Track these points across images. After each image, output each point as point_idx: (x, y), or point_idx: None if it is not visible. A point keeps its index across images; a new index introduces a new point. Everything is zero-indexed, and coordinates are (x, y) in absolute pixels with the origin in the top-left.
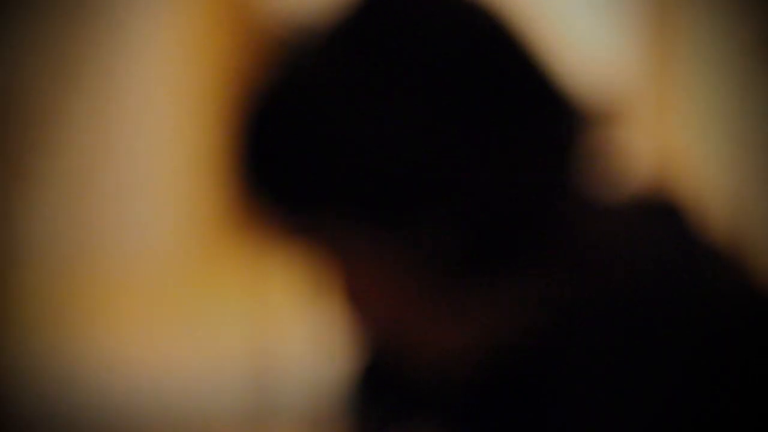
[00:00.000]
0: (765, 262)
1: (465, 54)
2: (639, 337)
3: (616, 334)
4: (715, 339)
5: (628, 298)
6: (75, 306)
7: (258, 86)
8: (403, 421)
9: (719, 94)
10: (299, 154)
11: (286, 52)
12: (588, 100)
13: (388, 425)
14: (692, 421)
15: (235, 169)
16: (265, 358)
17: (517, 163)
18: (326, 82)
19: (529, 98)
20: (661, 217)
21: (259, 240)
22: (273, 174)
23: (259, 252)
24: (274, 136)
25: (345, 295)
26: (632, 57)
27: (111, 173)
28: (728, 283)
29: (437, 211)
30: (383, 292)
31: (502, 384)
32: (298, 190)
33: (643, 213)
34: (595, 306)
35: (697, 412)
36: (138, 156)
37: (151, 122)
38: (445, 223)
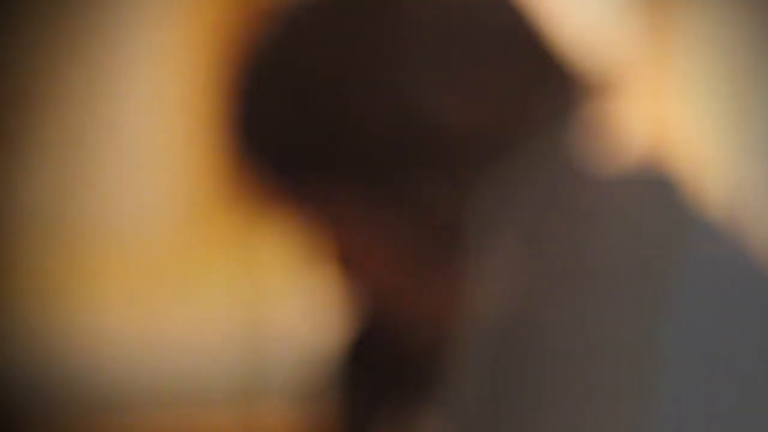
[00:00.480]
0: (762, 237)
1: (462, 20)
2: (626, 306)
3: (601, 303)
4: (709, 312)
5: (615, 269)
6: (66, 280)
7: (250, 49)
8: (392, 395)
9: (716, 66)
10: (291, 116)
11: (278, 15)
12: (585, 70)
13: (376, 399)
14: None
15: (228, 134)
16: (257, 330)
17: (513, 129)
18: (318, 44)
19: (528, 66)
20: (654, 189)
21: (252, 209)
22: (265, 136)
23: (251, 223)
24: (265, 99)
25: (338, 262)
26: (628, 27)
27: (105, 149)
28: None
29: (432, 173)
30: (376, 257)
31: (490, 348)
32: (291, 152)
33: (637, 185)
34: (582, 276)
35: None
36: (131, 131)
37: (145, 98)
38: (439, 185)
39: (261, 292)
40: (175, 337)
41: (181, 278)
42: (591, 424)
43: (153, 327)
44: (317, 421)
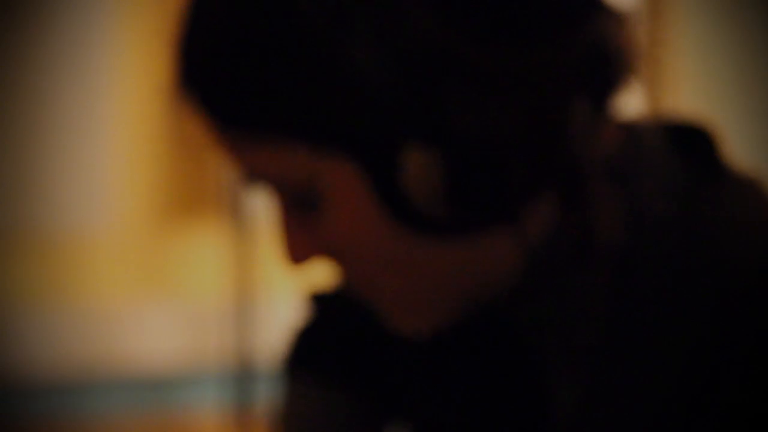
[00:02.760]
0: None
1: None
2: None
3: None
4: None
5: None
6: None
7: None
8: (331, 381)
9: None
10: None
11: None
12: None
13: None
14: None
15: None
16: (239, 316)
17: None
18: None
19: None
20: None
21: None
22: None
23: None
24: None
25: (321, 243)
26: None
27: (72, 143)
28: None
29: (425, 143)
30: (363, 238)
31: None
32: (266, 120)
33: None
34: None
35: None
36: (89, 124)
37: (106, 91)
38: (433, 158)
39: (243, 275)
40: (151, 324)
41: (152, 267)
42: None
43: (125, 315)
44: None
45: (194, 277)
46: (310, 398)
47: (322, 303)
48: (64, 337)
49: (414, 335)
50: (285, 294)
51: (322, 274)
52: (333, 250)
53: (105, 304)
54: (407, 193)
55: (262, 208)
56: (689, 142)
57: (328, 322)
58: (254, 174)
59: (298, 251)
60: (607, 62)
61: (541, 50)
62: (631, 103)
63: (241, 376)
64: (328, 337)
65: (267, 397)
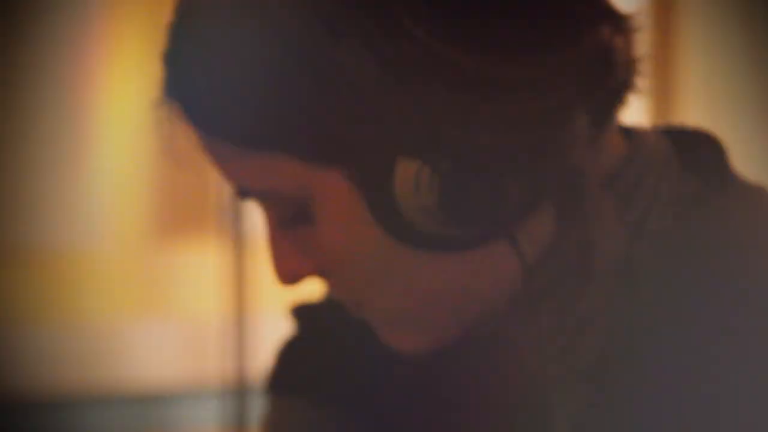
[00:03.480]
0: None
1: None
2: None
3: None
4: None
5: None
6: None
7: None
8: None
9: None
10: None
11: None
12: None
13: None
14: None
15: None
16: (237, 332)
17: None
18: None
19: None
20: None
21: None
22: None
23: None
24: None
25: (314, 259)
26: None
27: (74, 163)
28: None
29: (418, 155)
30: (357, 253)
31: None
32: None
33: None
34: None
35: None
36: (100, 144)
37: (107, 111)
38: (428, 170)
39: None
40: (148, 342)
41: (152, 284)
42: None
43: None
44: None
45: (192, 294)
46: (293, 415)
47: (307, 316)
48: (62, 355)
49: (411, 352)
50: (283, 311)
51: (311, 289)
52: (327, 265)
53: (102, 322)
54: (400, 207)
55: (259, 224)
56: (695, 150)
57: (313, 336)
58: (245, 188)
59: (290, 268)
60: (609, 71)
61: (539, 59)
62: (635, 112)
63: (239, 394)
64: (312, 352)
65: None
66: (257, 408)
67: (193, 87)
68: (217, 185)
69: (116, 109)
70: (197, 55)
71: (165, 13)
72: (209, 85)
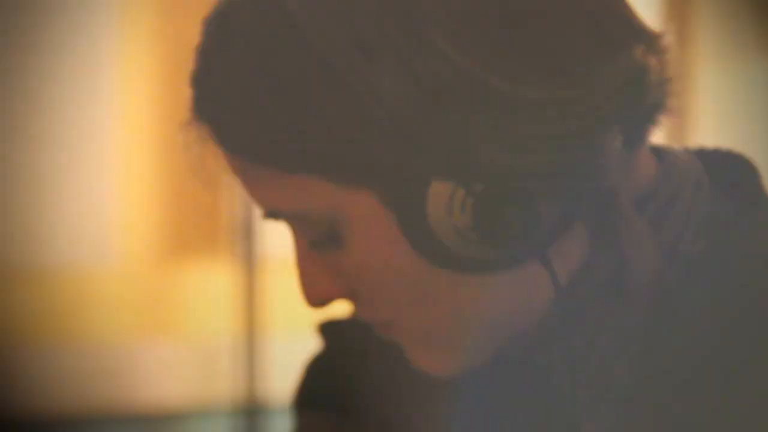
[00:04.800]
0: None
1: None
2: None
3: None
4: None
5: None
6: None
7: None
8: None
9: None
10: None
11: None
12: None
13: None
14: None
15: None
16: (247, 348)
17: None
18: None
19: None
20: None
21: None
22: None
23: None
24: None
25: (344, 281)
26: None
27: (83, 180)
28: None
29: (446, 169)
30: (388, 275)
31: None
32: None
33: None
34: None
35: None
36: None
37: (111, 122)
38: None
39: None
40: (159, 361)
41: (166, 304)
42: None
43: (134, 354)
44: None
45: (202, 314)
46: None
47: (333, 332)
48: (71, 375)
49: (440, 375)
50: (294, 330)
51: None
52: (356, 287)
53: (112, 341)
54: (434, 229)
55: (271, 243)
56: (728, 171)
57: (340, 353)
58: (275, 210)
59: (319, 291)
60: (643, 91)
61: (574, 79)
62: (665, 132)
63: (250, 413)
64: (339, 368)
65: None
66: (267, 428)
67: (224, 108)
68: (228, 204)
69: (126, 126)
70: (229, 75)
71: (175, 28)
72: (241, 106)
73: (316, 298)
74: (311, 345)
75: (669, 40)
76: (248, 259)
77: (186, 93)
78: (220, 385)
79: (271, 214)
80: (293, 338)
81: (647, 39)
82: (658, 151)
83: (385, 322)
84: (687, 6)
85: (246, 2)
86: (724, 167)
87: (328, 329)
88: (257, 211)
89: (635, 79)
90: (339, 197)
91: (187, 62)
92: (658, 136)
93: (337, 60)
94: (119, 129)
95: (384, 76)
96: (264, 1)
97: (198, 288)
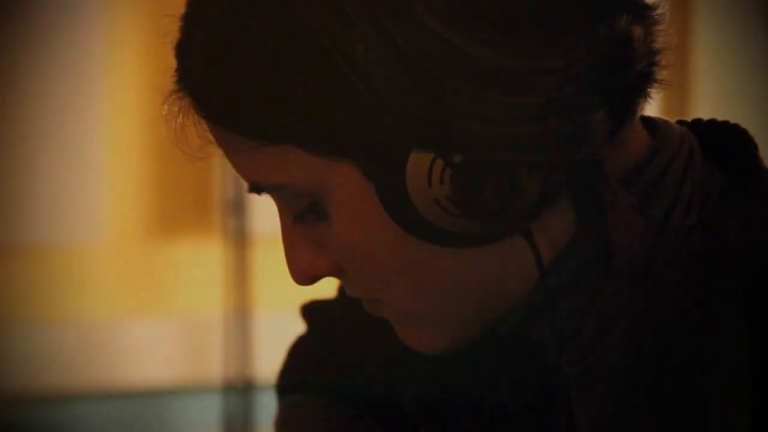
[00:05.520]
0: None
1: None
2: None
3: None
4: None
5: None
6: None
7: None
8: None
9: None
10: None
11: None
12: None
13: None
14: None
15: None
16: (237, 329)
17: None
18: None
19: None
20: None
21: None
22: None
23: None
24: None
25: (330, 255)
26: None
27: (71, 157)
28: None
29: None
30: (372, 247)
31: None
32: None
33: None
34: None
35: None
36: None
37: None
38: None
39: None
40: (147, 339)
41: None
42: None
43: (124, 332)
44: None
45: (192, 291)
46: (303, 413)
47: (317, 313)
48: (60, 352)
49: (430, 352)
50: (283, 308)
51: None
52: (342, 262)
53: (101, 318)
54: (413, 201)
55: (261, 219)
56: (723, 144)
57: (324, 334)
58: (257, 182)
59: (305, 266)
60: (627, 62)
61: (553, 49)
62: (656, 105)
63: (239, 391)
64: (323, 349)
65: (265, 412)
66: (257, 407)
67: (205, 78)
68: (218, 180)
69: (114, 103)
70: (210, 45)
71: (165, 7)
72: (222, 76)
73: (301, 273)
74: (297, 320)
75: (661, 11)
76: (239, 236)
77: (171, 65)
78: (211, 362)
79: (254, 187)
80: (284, 315)
81: (634, 8)
82: (651, 124)
83: (372, 298)
84: None
85: None
86: (719, 140)
87: (311, 310)
88: (247, 187)
89: (618, 49)
90: (320, 169)
91: (172, 33)
92: (655, 110)
93: (316, 29)
94: (105, 104)
95: (363, 45)
96: None
97: (188, 264)
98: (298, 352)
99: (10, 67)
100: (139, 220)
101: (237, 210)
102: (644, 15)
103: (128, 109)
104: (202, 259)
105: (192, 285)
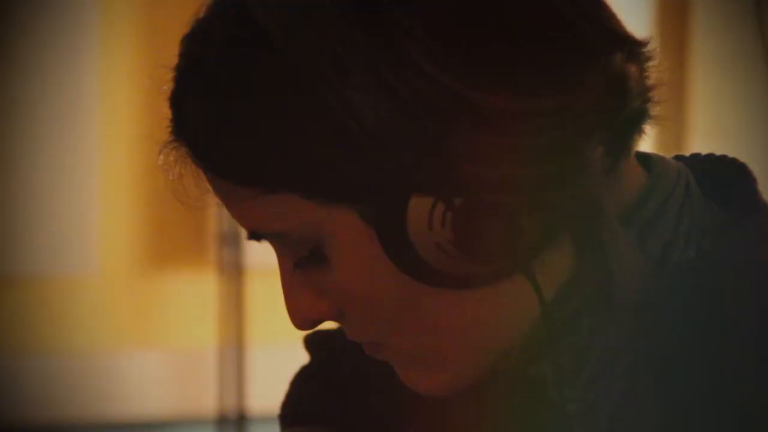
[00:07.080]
0: None
1: None
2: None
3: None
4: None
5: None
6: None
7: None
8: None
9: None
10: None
11: None
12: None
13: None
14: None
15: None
16: (234, 357)
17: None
18: None
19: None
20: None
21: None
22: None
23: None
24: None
25: (330, 300)
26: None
27: (66, 188)
28: None
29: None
30: (372, 291)
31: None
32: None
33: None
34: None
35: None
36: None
37: (94, 135)
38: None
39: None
40: (142, 370)
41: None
42: None
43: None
44: None
45: (187, 323)
46: None
47: (320, 344)
48: (54, 384)
49: (432, 393)
50: (277, 340)
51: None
52: (343, 306)
53: (96, 350)
54: (414, 245)
55: (257, 251)
56: (721, 178)
57: (327, 365)
58: (258, 230)
59: (305, 311)
60: (623, 99)
61: (551, 89)
62: (652, 141)
63: (233, 424)
64: (326, 380)
65: None
66: None
67: (201, 128)
68: (214, 212)
69: (110, 135)
70: (205, 95)
71: (156, 34)
72: (218, 126)
73: (302, 319)
74: (297, 355)
75: (653, 47)
76: (233, 268)
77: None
78: (205, 394)
79: (254, 234)
80: (278, 348)
81: (627, 46)
82: (647, 160)
83: (373, 341)
84: (684, 13)
85: (219, 21)
86: (717, 174)
87: (315, 341)
88: (246, 234)
89: (614, 87)
90: (319, 215)
91: (168, 71)
92: (651, 147)
93: (311, 76)
94: (101, 137)
95: (359, 92)
96: (237, 20)
97: (182, 296)
98: (301, 382)
99: (7, 103)
100: (133, 252)
101: (232, 242)
102: (637, 52)
103: (123, 140)
104: (196, 291)
105: (186, 317)
